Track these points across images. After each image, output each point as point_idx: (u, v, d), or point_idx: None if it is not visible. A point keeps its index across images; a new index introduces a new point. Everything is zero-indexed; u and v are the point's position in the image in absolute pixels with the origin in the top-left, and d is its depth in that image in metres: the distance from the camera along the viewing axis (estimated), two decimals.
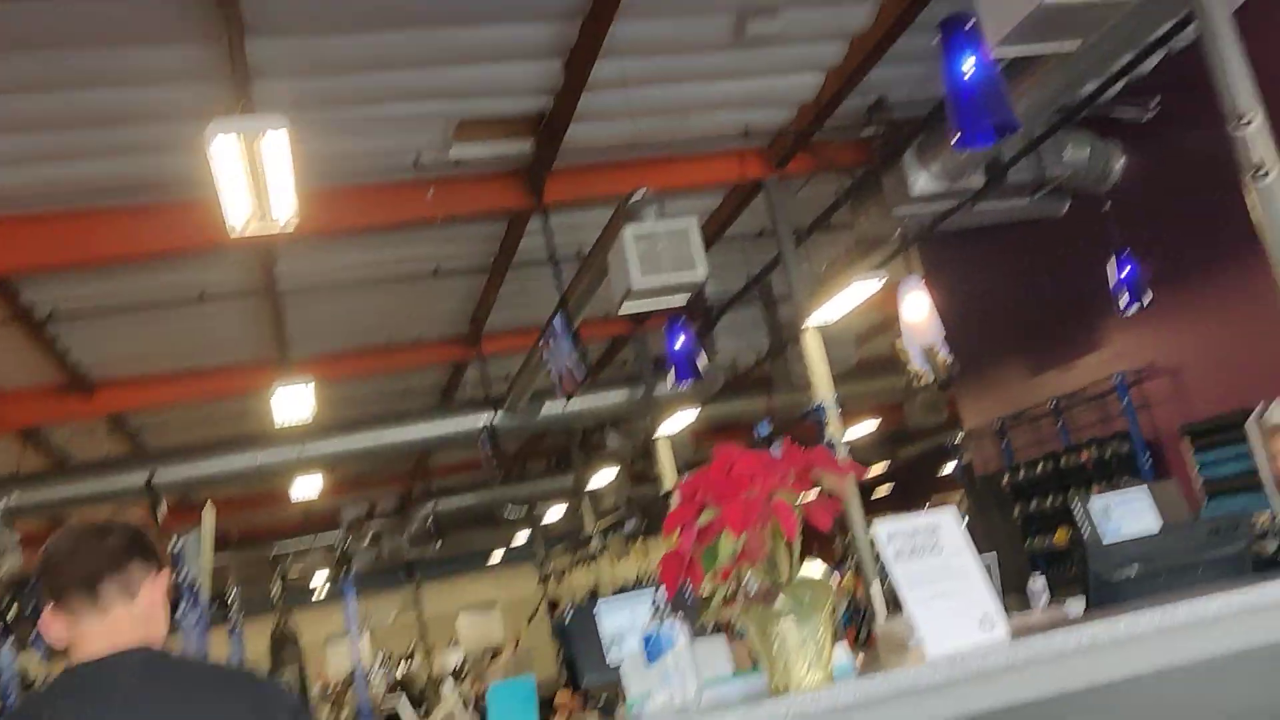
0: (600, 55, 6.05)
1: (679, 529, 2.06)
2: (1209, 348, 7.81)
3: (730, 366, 12.13)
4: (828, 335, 10.74)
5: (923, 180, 7.48)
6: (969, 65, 3.83)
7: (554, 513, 18.34)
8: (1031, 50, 4.67)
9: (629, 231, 6.29)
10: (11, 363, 9.04)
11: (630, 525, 14.83)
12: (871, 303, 12.63)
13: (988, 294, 9.95)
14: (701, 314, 11.07)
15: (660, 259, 6.30)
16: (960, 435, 10.99)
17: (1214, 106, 4.48)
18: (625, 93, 6.69)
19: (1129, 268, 7.66)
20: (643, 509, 13.67)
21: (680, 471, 12.04)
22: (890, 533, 2.19)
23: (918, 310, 7.52)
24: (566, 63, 6.27)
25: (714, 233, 9.22)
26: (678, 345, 9.86)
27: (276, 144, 4.84)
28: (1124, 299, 7.61)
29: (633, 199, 6.53)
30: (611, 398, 11.75)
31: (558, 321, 7.48)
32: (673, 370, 9.86)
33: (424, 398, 12.71)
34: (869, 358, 13.17)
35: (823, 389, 8.01)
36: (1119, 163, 8.21)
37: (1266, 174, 4.05)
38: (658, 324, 11.58)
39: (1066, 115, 7.15)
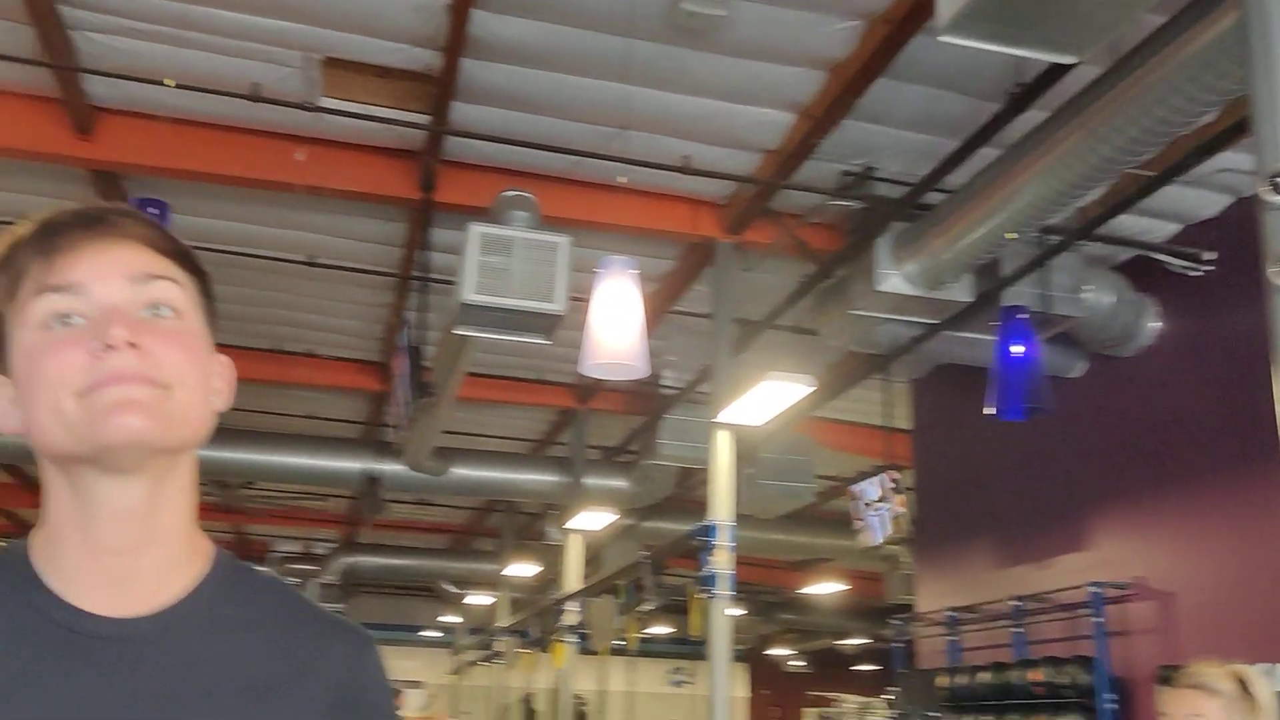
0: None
1: None
2: (1216, 575, 6.08)
3: (677, 476, 10.58)
4: (780, 464, 9.19)
5: (894, 280, 5.95)
6: (1018, 349, 3.04)
7: (478, 599, 16.64)
8: (990, 45, 3.17)
9: (475, 230, 4.83)
10: None
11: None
12: (865, 446, 11.12)
13: (969, 453, 8.31)
14: (652, 404, 9.56)
15: (510, 276, 4.81)
16: (899, 620, 9.24)
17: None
18: (537, 76, 5.35)
19: None
20: (539, 616, 11.94)
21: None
22: None
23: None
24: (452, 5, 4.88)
25: (662, 303, 7.75)
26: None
27: None
28: None
29: (505, 193, 5.08)
30: (534, 477, 10.20)
31: (402, 339, 6.01)
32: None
33: (329, 428, 11.16)
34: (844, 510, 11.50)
35: (721, 504, 6.38)
36: (1151, 324, 6.62)
37: None
38: (609, 403, 10.12)
39: (1083, 230, 5.62)
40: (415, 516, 15.09)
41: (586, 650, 10.61)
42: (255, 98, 5.33)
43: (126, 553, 1.00)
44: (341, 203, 6.63)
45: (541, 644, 12.09)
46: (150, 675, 0.97)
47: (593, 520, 9.89)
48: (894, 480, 7.70)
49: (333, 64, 5.37)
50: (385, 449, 9.27)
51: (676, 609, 10.32)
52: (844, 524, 10.13)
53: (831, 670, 21.47)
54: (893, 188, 6.07)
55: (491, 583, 15.45)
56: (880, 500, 7.77)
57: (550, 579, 13.07)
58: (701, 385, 8.47)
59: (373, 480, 8.98)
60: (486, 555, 15.57)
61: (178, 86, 5.21)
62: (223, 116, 5.81)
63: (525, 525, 14.28)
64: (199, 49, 5.25)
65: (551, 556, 12.80)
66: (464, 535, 16.53)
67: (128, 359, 0.95)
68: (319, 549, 17.40)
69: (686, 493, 10.70)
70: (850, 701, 14.46)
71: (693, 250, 7.14)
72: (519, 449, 11.90)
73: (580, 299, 5.14)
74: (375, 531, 15.28)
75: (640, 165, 5.90)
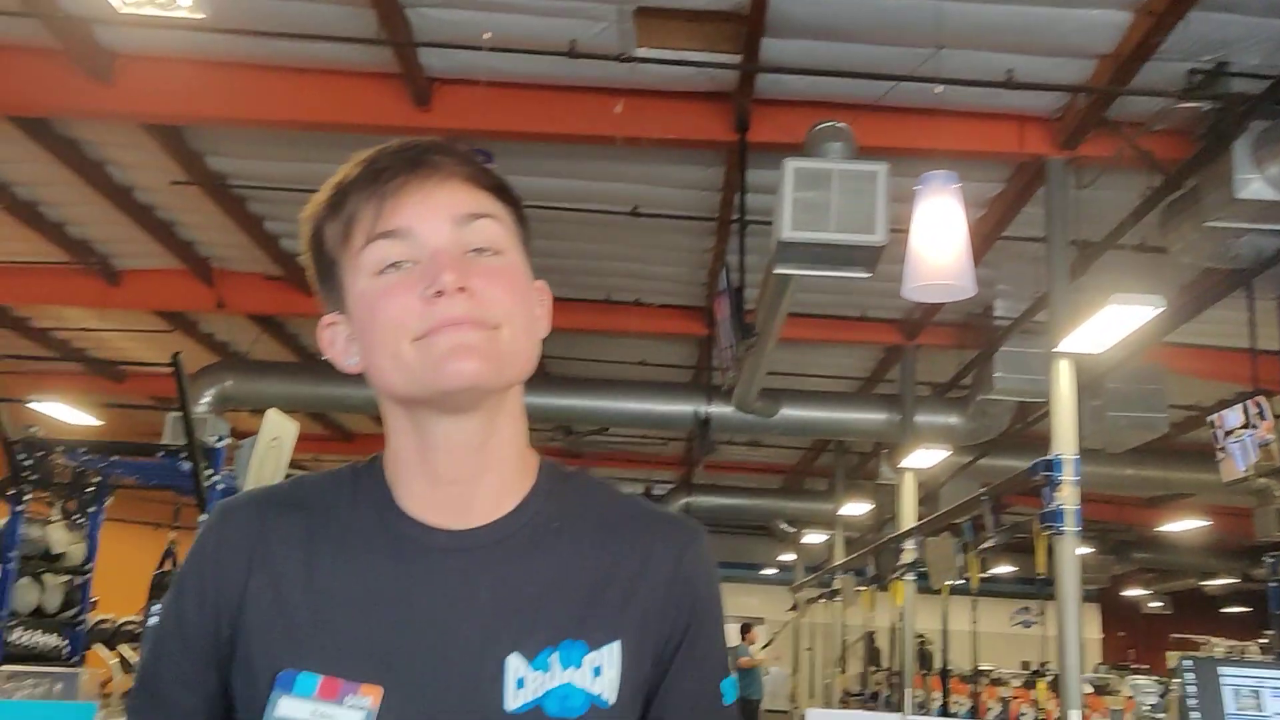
0: None
1: None
2: None
3: (1014, 410, 10.14)
4: (1128, 393, 8.63)
5: (1257, 185, 5.38)
6: None
7: (813, 538, 16.73)
8: None
9: (790, 166, 4.77)
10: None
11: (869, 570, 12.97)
12: (1227, 371, 10.22)
13: None
14: (984, 336, 9.20)
15: (828, 210, 4.74)
16: (1274, 558, 8.45)
17: None
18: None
19: None
20: (875, 553, 11.80)
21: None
22: None
23: None
24: None
25: (991, 229, 7.41)
26: None
27: None
28: None
29: (818, 126, 5.00)
30: (863, 416, 10.10)
31: (723, 283, 6.06)
32: None
33: (658, 373, 11.46)
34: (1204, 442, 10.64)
35: (1065, 437, 6.05)
36: None
37: None
38: (938, 338, 9.83)
39: None
40: (748, 457, 15.34)
41: (926, 589, 10.44)
42: (574, 54, 5.51)
43: (464, 482, 1.06)
44: (660, 151, 6.75)
45: (879, 582, 12.00)
46: (485, 583, 1.03)
47: (926, 458, 9.68)
48: (1260, 406, 7.03)
49: (644, 13, 5.46)
50: (714, 392, 9.44)
51: (1020, 547, 9.96)
52: (1204, 456, 9.42)
53: (1196, 612, 20.08)
54: (1251, 83, 5.48)
55: (826, 521, 15.50)
56: (1244, 427, 7.12)
57: (886, 517, 12.95)
58: (1038, 314, 8.04)
59: (703, 422, 9.18)
60: (820, 494, 15.65)
61: (504, 50, 5.47)
62: (544, 76, 6.04)
63: (857, 464, 14.19)
64: (519, 12, 5.48)
65: (884, 495, 12.67)
66: (796, 475, 16.65)
67: (458, 303, 0.98)
68: (658, 490, 18.07)
69: (1025, 427, 10.25)
70: (1218, 645, 13.46)
71: (1022, 170, 6.77)
72: (847, 388, 11.80)
73: (902, 230, 5.00)
74: (710, 472, 15.67)
75: (960, 84, 5.62)
